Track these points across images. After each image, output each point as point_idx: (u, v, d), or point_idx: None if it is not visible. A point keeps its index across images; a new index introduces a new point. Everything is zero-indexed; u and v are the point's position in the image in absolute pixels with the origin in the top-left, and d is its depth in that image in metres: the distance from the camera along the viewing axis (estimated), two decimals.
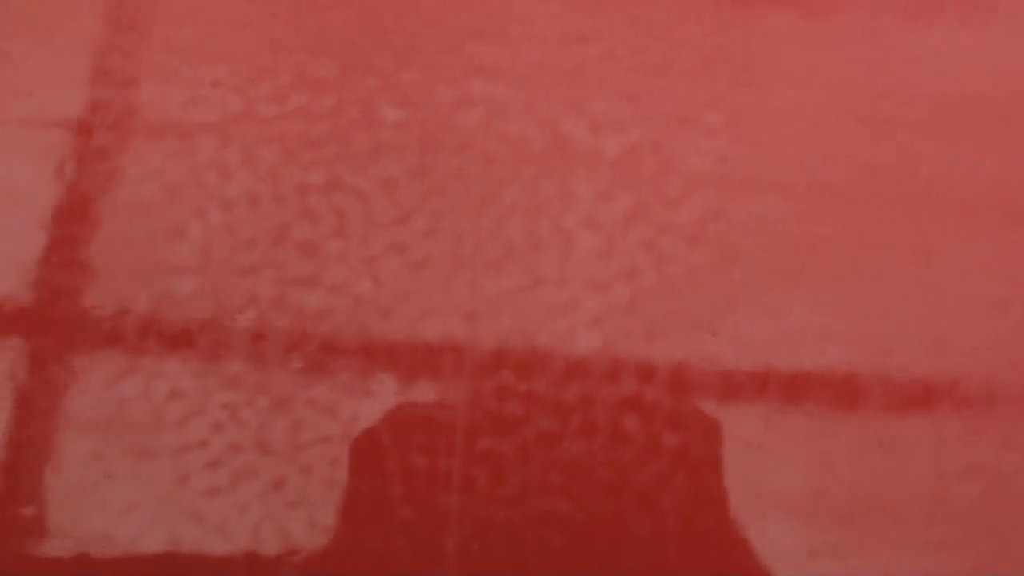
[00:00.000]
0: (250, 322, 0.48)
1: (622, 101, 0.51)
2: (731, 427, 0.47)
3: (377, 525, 0.45)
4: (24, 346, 0.47)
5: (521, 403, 0.47)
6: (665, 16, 0.53)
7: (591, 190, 0.50)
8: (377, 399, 0.47)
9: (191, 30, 0.53)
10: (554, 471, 0.46)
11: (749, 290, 0.48)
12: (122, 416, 0.46)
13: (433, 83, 0.52)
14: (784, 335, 0.48)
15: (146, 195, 0.50)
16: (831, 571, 0.45)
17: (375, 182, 0.50)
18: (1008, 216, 0.50)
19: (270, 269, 0.49)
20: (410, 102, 0.51)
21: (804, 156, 0.51)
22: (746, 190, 0.50)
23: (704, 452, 0.46)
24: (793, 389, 0.47)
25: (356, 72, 0.52)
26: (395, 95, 0.52)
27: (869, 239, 0.49)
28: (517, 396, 0.47)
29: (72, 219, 0.49)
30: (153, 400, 0.47)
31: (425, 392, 0.47)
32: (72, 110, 0.51)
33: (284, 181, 0.50)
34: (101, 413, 0.46)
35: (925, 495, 0.46)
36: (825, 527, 0.46)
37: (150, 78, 0.52)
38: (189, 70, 0.52)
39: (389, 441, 0.46)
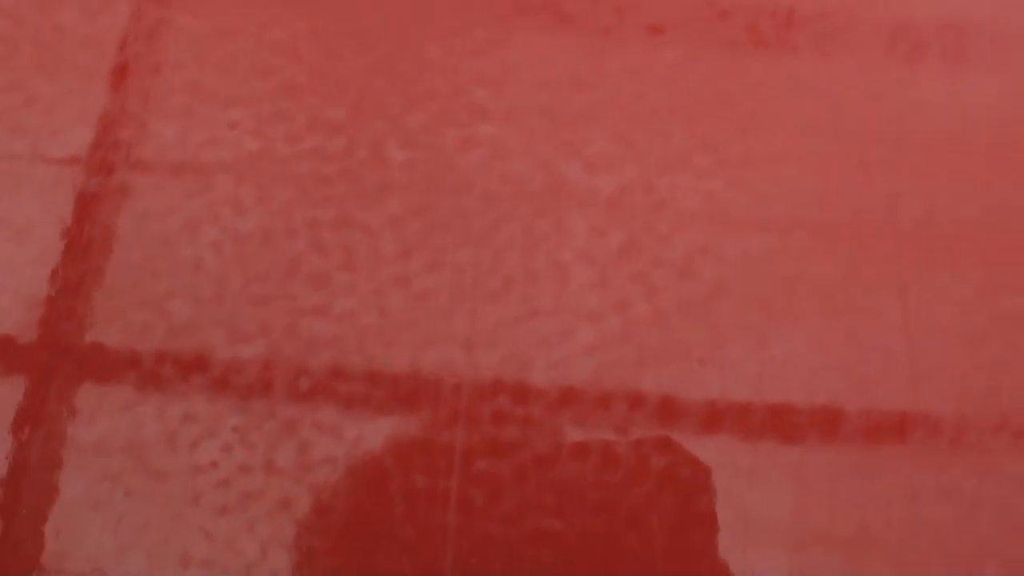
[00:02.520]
0: (261, 350, 0.50)
1: (618, 143, 0.54)
2: (718, 454, 0.49)
3: (380, 542, 0.48)
4: (28, 381, 0.50)
5: (517, 427, 0.49)
6: (662, 66, 0.56)
7: (586, 226, 0.52)
8: (380, 422, 0.49)
9: (211, 74, 0.56)
10: (548, 492, 0.48)
11: (738, 323, 0.51)
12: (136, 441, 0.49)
13: (439, 126, 0.55)
14: (770, 367, 0.50)
15: (153, 231, 0.53)
16: None
17: (382, 219, 0.53)
18: (988, 256, 0.53)
19: (282, 300, 0.51)
20: (416, 144, 0.54)
21: (794, 197, 0.53)
22: (736, 229, 0.53)
23: (691, 478, 0.48)
24: (777, 419, 0.49)
25: (366, 115, 0.55)
26: (402, 137, 0.54)
27: (853, 277, 0.52)
28: (513, 421, 0.49)
29: (80, 255, 0.52)
30: (167, 424, 0.49)
31: (425, 416, 0.50)
32: (80, 147, 0.54)
33: (296, 217, 0.53)
34: (114, 439, 0.49)
35: (901, 520, 0.48)
36: (806, 551, 0.48)
37: (164, 118, 0.55)
38: (207, 112, 0.55)
39: (391, 462, 0.49)
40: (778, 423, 0.49)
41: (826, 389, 0.50)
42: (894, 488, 0.48)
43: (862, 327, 0.51)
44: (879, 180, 0.54)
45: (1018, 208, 0.54)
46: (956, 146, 0.55)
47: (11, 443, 0.49)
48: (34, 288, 0.52)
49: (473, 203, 0.53)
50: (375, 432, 0.49)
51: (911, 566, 0.47)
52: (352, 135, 0.55)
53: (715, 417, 0.49)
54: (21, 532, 0.47)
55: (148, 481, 0.48)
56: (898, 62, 0.57)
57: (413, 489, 0.48)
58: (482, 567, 0.47)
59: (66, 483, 0.48)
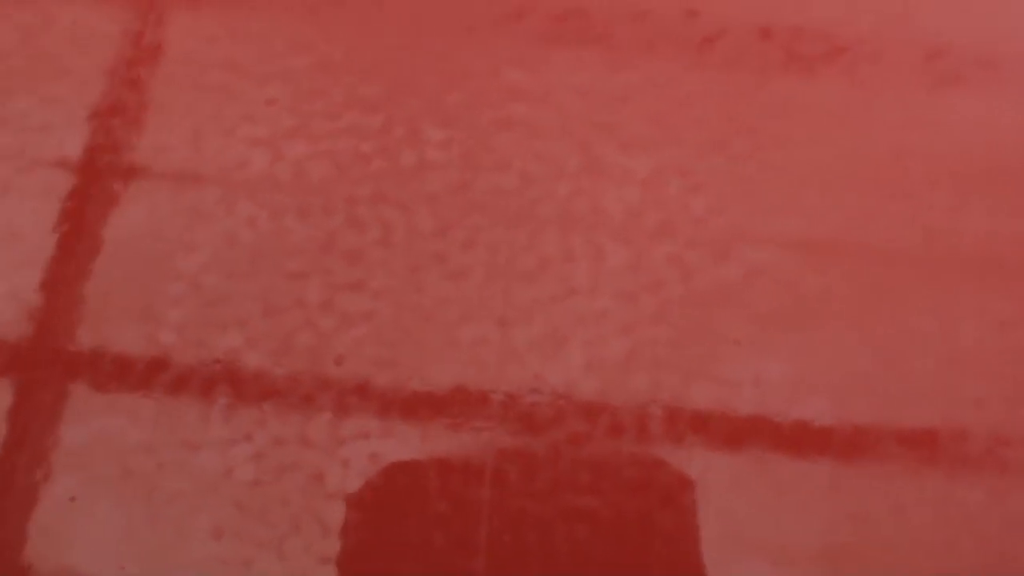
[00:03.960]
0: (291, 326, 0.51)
1: (652, 126, 0.55)
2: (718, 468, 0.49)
3: (413, 516, 0.48)
4: (18, 383, 0.50)
5: (551, 406, 0.49)
6: (700, 57, 0.57)
7: (621, 208, 0.53)
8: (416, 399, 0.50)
9: (246, 48, 0.56)
10: (583, 470, 0.48)
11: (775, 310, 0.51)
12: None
13: (475, 106, 0.55)
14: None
15: (143, 231, 0.52)
16: None
17: (419, 197, 0.53)
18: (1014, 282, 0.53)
19: (318, 275, 0.52)
20: (453, 123, 0.55)
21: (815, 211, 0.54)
22: (770, 214, 0.53)
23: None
24: (780, 435, 0.49)
25: (403, 93, 0.55)
26: (439, 116, 0.55)
27: (880, 294, 0.52)
28: (548, 398, 0.49)
29: (72, 256, 0.52)
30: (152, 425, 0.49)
31: (461, 394, 0.50)
32: (73, 149, 0.54)
33: (334, 194, 0.53)
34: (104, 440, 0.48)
35: (887, 537, 0.48)
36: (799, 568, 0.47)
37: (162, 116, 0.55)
38: (243, 88, 0.55)
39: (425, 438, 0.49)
40: (786, 440, 0.49)
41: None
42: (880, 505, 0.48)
43: (891, 343, 0.51)
44: (911, 203, 0.54)
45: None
46: (977, 162, 0.55)
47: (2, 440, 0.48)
48: (25, 290, 0.52)
49: (510, 182, 0.53)
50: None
51: None
52: (389, 112, 0.55)
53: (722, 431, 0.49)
54: (7, 535, 0.47)
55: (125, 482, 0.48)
56: (931, 88, 0.57)
57: (447, 464, 0.48)
58: (516, 544, 0.48)
59: (54, 483, 0.48)
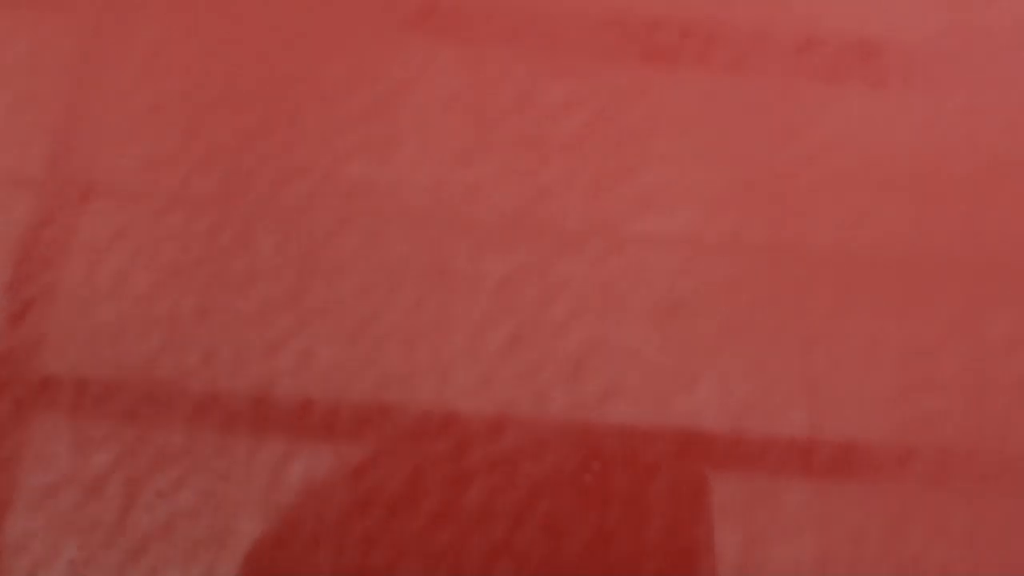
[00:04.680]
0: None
1: (510, 222, 0.50)
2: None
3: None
4: None
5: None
6: (563, 137, 0.52)
7: (470, 319, 0.48)
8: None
9: None
10: None
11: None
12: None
13: (313, 204, 0.50)
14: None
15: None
16: None
17: (251, 307, 0.48)
18: (904, 285, 0.49)
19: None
20: (288, 224, 0.50)
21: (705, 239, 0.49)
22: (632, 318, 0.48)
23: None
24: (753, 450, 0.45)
25: (235, 191, 0.50)
26: (273, 217, 0.50)
27: (763, 307, 0.48)
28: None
29: (30, 280, 0.48)
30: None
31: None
32: (33, 171, 0.50)
33: (155, 309, 0.48)
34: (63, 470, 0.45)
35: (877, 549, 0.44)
36: None
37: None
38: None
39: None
40: (754, 455, 0.45)
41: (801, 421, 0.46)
42: (873, 519, 0.44)
43: (766, 355, 0.47)
44: (794, 208, 0.50)
45: (938, 234, 0.50)
46: (875, 172, 0.51)
47: None
48: None
49: (348, 292, 0.49)
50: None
51: None
52: (218, 214, 0.50)
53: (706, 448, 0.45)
54: None
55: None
56: (813, 83, 0.53)
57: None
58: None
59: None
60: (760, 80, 0.53)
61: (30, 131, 0.51)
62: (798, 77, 0.53)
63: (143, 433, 0.46)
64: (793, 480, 0.46)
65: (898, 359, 0.48)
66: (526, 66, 0.53)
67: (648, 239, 0.50)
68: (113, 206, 0.50)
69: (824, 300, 0.49)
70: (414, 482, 0.45)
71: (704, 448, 0.46)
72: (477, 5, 0.54)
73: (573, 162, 0.51)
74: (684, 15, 0.54)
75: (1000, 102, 0.53)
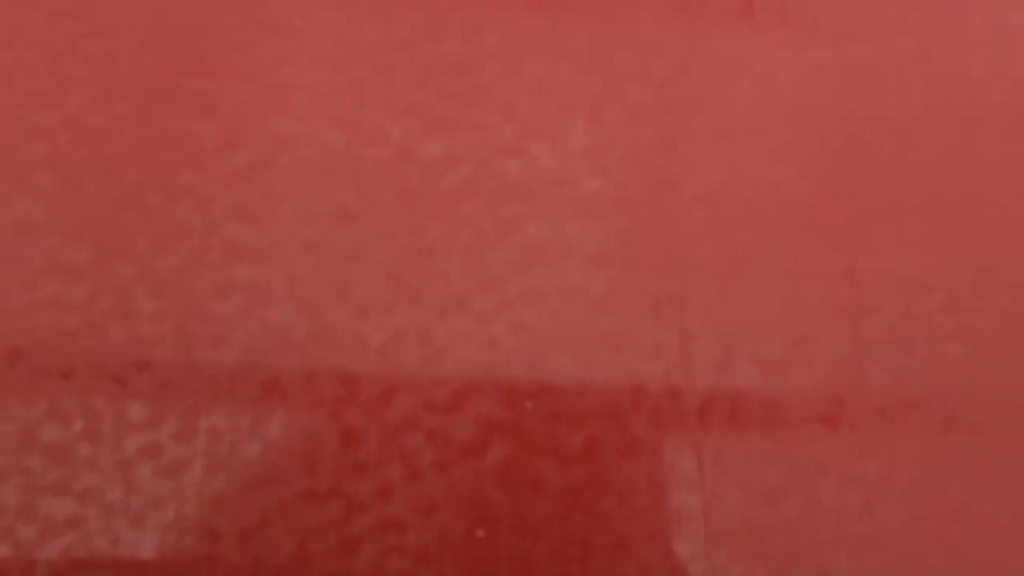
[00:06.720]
0: None
1: (390, 285, 0.50)
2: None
3: None
4: None
5: None
6: (442, 195, 0.52)
7: (353, 384, 0.48)
8: None
9: None
10: None
11: None
12: None
13: (192, 269, 0.50)
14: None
15: None
16: None
17: (131, 377, 0.48)
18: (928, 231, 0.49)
19: (16, 477, 0.46)
20: (167, 290, 0.49)
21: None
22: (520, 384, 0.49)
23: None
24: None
25: (112, 258, 0.50)
26: (151, 283, 0.49)
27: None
28: None
29: None
30: None
31: None
32: None
33: (32, 380, 0.47)
34: None
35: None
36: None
37: None
38: None
39: None
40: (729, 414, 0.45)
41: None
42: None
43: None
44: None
45: (818, 199, 0.50)
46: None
47: None
48: None
49: (230, 358, 0.48)
50: None
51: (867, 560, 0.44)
52: (95, 281, 0.49)
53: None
54: None
55: None
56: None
57: None
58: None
59: None
60: None
61: None
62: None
63: None
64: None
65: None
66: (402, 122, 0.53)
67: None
68: None
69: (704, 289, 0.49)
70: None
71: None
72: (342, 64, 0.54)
73: (454, 219, 0.51)
74: None
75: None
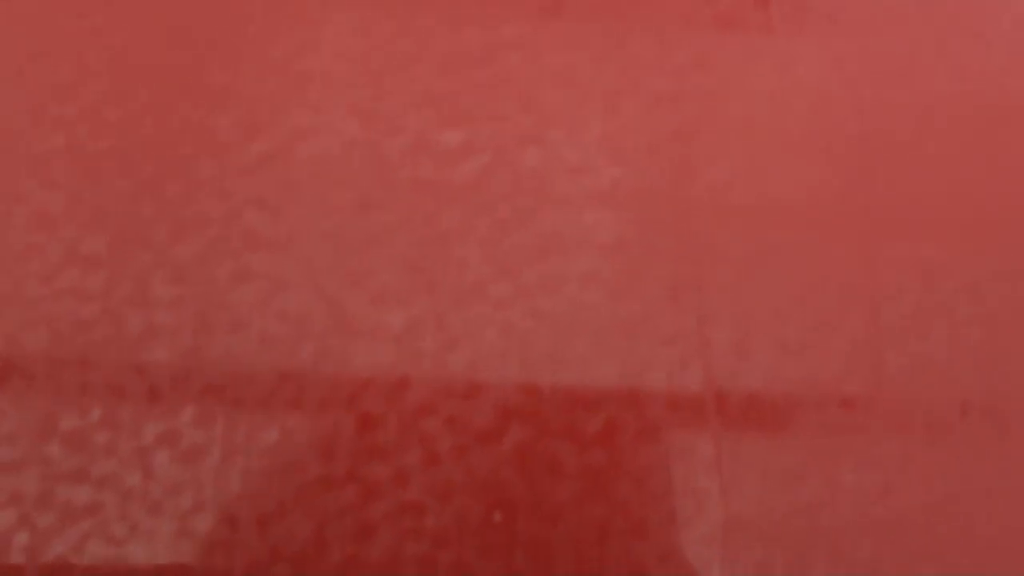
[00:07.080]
0: (12, 520, 0.45)
1: (408, 273, 0.50)
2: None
3: None
4: None
5: None
6: (458, 183, 0.52)
7: (372, 371, 0.48)
8: None
9: None
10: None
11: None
12: None
13: (210, 258, 0.50)
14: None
15: None
16: None
17: (144, 367, 0.48)
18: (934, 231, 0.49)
19: (35, 465, 0.46)
20: (185, 278, 0.49)
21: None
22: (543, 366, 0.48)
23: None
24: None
25: (129, 246, 0.50)
26: (169, 271, 0.49)
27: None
28: None
29: None
30: None
31: None
32: None
33: (49, 368, 0.48)
34: None
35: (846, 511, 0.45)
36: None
37: None
38: None
39: None
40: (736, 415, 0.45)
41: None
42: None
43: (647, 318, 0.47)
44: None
45: (836, 187, 0.50)
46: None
47: None
48: None
49: (248, 346, 0.48)
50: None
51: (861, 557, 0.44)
52: (113, 270, 0.49)
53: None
54: None
55: None
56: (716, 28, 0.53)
57: None
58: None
59: None
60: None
61: None
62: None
63: None
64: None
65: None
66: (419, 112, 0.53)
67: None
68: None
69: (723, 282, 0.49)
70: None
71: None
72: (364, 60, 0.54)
73: (471, 208, 0.51)
74: None
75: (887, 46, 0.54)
